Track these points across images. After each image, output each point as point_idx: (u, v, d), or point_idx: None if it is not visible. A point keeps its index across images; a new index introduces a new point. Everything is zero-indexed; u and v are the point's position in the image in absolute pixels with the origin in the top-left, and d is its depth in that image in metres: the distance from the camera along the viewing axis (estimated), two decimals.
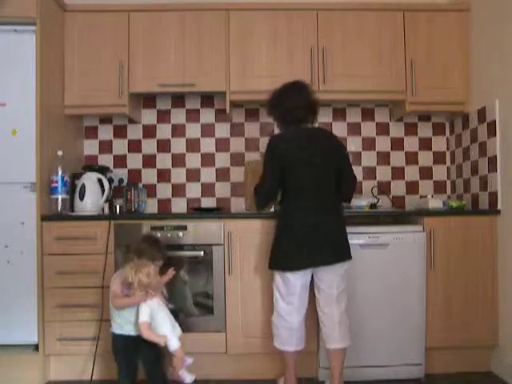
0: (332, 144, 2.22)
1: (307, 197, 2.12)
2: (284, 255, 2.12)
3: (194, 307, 2.46)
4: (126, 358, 2.07)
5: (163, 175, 3.15)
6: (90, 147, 3.14)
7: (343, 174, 2.23)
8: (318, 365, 2.47)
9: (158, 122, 3.16)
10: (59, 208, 2.54)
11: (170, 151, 3.15)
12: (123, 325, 2.05)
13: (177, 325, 2.08)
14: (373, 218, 2.73)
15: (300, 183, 2.12)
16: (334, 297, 2.16)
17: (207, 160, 3.15)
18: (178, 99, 3.15)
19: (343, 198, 2.33)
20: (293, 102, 2.16)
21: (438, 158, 3.19)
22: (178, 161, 3.15)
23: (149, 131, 3.16)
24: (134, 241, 2.24)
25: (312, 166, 2.12)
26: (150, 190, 3.12)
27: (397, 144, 3.18)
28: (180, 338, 2.05)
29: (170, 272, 2.19)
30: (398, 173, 3.17)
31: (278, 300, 2.19)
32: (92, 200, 2.65)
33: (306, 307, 2.19)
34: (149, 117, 3.16)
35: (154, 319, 2.00)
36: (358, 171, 3.15)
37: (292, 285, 2.13)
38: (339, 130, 3.16)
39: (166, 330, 1.99)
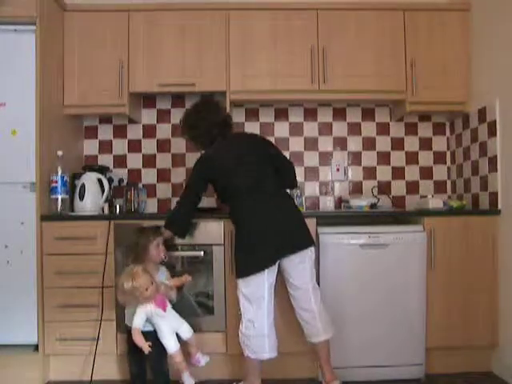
0: (256, 140, 2.33)
1: (252, 196, 2.13)
2: (248, 258, 2.10)
3: (195, 307, 2.46)
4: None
5: (163, 175, 3.15)
6: (90, 147, 3.14)
7: (279, 163, 2.28)
8: (318, 365, 2.46)
9: (157, 121, 3.16)
10: (59, 208, 2.54)
11: (169, 151, 3.15)
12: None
13: (184, 325, 2.16)
14: (373, 217, 2.72)
15: (240, 185, 2.15)
16: (311, 291, 2.16)
17: None
18: (178, 99, 3.14)
19: (287, 184, 2.36)
20: (212, 120, 2.26)
21: (439, 158, 3.18)
22: (178, 161, 3.15)
23: (149, 131, 3.16)
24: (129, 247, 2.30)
25: (245, 166, 2.17)
26: (150, 190, 3.12)
27: (397, 144, 3.18)
28: (190, 338, 2.18)
29: (185, 278, 2.28)
30: (398, 173, 3.17)
31: (246, 307, 2.13)
32: (92, 200, 2.65)
33: (273, 310, 2.16)
34: (149, 117, 3.16)
35: (153, 324, 2.09)
36: (358, 171, 3.16)
37: (260, 287, 2.10)
38: (339, 129, 3.17)
39: (171, 342, 2.08)
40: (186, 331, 2.17)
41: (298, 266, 2.14)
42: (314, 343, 2.20)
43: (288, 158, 2.41)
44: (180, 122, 2.37)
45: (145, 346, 2.02)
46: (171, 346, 2.09)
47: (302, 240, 2.15)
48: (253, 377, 2.20)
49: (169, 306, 2.14)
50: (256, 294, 2.10)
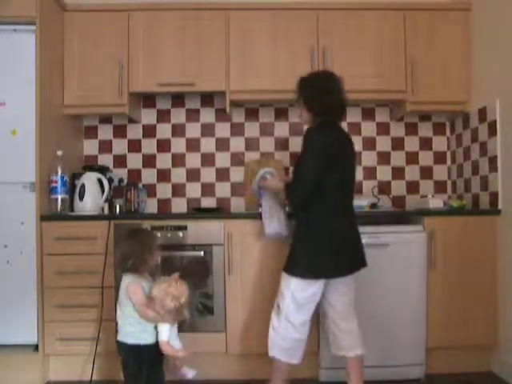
0: (352, 145, 2.14)
1: (340, 200, 2.02)
2: (322, 261, 1.93)
3: (194, 307, 2.46)
4: (139, 368, 1.94)
5: (163, 175, 3.15)
6: (90, 147, 3.14)
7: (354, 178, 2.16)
8: (318, 365, 2.46)
9: (157, 121, 3.16)
10: (59, 208, 2.54)
11: (169, 151, 3.15)
12: (140, 333, 1.93)
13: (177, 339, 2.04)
14: (373, 217, 2.72)
15: (336, 185, 1.98)
16: (353, 302, 2.10)
17: (207, 160, 3.15)
18: (178, 99, 3.14)
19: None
20: (340, 95, 2.02)
21: (439, 158, 3.18)
22: (178, 161, 3.15)
23: (149, 131, 3.16)
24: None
25: (346, 168, 2.04)
26: (150, 190, 3.11)
27: (397, 144, 3.18)
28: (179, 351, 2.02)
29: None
30: (398, 173, 3.17)
31: (292, 310, 1.97)
32: (92, 200, 2.65)
33: None
34: (149, 116, 3.16)
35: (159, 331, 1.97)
36: (358, 171, 3.14)
37: (315, 293, 1.98)
38: None
39: (175, 343, 1.97)
40: (178, 343, 2.02)
41: (351, 278, 2.07)
42: (350, 356, 2.05)
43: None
44: (303, 80, 2.10)
45: (178, 353, 1.92)
46: (177, 345, 1.98)
47: (364, 260, 2.07)
48: (277, 381, 2.08)
49: None
50: (310, 300, 1.98)
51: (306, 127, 2.09)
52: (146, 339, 1.92)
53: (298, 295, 1.96)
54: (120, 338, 1.97)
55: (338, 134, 2.06)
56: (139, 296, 1.91)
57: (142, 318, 1.92)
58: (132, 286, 1.93)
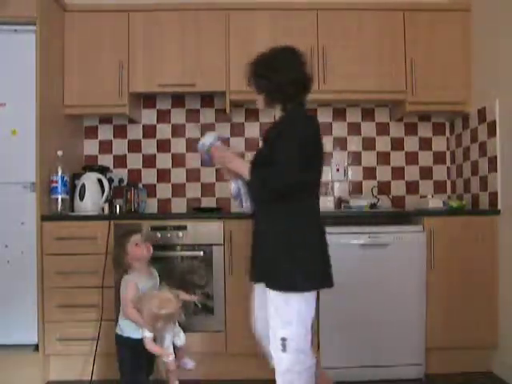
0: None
1: (318, 199, 1.75)
2: (321, 267, 1.64)
3: (194, 307, 2.46)
4: (136, 362, 2.03)
5: (163, 175, 3.15)
6: (90, 147, 3.14)
7: None
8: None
9: (157, 121, 3.16)
10: (59, 208, 2.54)
11: (169, 151, 3.15)
12: (136, 326, 2.00)
13: (180, 334, 2.08)
14: (373, 217, 2.72)
15: (319, 179, 1.72)
16: None
17: None
18: (178, 99, 3.15)
19: None
20: (302, 70, 1.72)
21: (438, 158, 3.18)
22: (178, 161, 3.15)
23: (149, 131, 3.16)
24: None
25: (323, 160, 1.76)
26: (150, 190, 3.12)
27: (397, 144, 3.18)
28: (183, 345, 2.08)
29: (191, 297, 2.17)
30: (397, 173, 3.17)
31: (301, 334, 1.59)
32: (92, 200, 2.65)
33: None
34: (149, 117, 3.16)
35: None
36: (358, 171, 3.16)
37: (314, 305, 1.66)
38: (339, 129, 3.17)
39: (164, 344, 2.01)
40: (181, 339, 2.08)
41: None
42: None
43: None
44: (254, 63, 1.85)
45: (162, 352, 1.95)
46: (178, 342, 2.06)
47: None
48: None
49: None
50: (312, 314, 1.64)
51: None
52: (141, 334, 1.98)
53: (306, 315, 1.60)
54: (117, 330, 2.08)
55: (316, 122, 1.73)
56: (128, 293, 2.00)
57: (125, 315, 2.01)
58: (125, 283, 2.05)
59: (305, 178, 1.59)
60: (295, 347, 1.58)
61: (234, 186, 1.80)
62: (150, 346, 1.95)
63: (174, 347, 2.07)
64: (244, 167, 1.68)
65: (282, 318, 1.59)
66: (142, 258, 2.08)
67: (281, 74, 1.69)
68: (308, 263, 1.60)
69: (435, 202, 2.68)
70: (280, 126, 1.69)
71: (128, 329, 2.03)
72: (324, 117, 3.16)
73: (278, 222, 1.64)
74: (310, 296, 1.61)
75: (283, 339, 1.58)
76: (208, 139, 1.82)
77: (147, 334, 1.94)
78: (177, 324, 2.10)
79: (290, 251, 1.59)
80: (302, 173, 1.55)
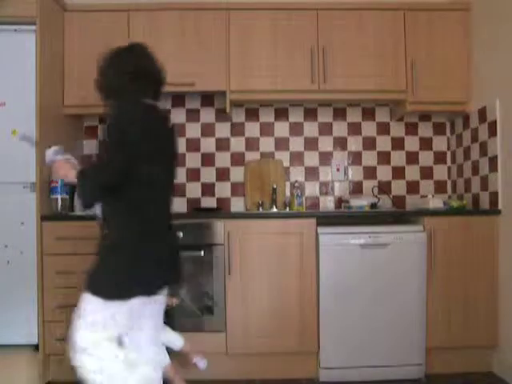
0: (176, 135, 1.79)
1: (161, 198, 1.65)
2: (143, 270, 1.54)
3: (194, 307, 2.46)
4: None
5: None
6: (90, 147, 3.13)
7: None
8: (318, 365, 2.46)
9: None
10: (59, 208, 2.54)
11: None
12: None
13: (173, 338, 2.04)
14: (373, 217, 2.72)
15: (156, 176, 1.60)
16: None
17: (207, 160, 3.15)
18: (178, 99, 3.14)
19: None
20: (135, 63, 1.68)
21: (439, 158, 3.18)
22: (178, 161, 3.14)
23: None
24: None
25: (167, 156, 1.68)
26: None
27: (397, 144, 3.18)
28: (183, 348, 2.05)
29: (172, 300, 2.06)
30: (398, 172, 3.17)
31: (113, 358, 1.53)
32: None
33: None
34: None
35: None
36: (358, 171, 3.16)
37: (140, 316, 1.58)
38: (339, 129, 3.16)
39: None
40: (178, 344, 2.05)
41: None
42: None
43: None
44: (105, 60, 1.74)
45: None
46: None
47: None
48: None
49: None
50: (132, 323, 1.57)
51: None
52: None
53: (113, 324, 1.59)
54: None
55: (157, 113, 1.69)
56: None
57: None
58: None
59: (131, 169, 1.50)
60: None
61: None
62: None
63: (172, 352, 2.04)
64: (71, 174, 1.60)
65: None
66: None
67: (108, 70, 1.69)
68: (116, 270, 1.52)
69: (436, 202, 2.68)
70: (108, 123, 1.61)
71: None
72: (324, 117, 3.16)
73: (111, 226, 1.59)
74: (126, 303, 1.53)
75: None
76: (49, 155, 1.74)
77: None
78: (169, 330, 2.08)
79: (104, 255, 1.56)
80: (125, 164, 1.48)
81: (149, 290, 1.56)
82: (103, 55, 1.72)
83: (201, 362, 2.13)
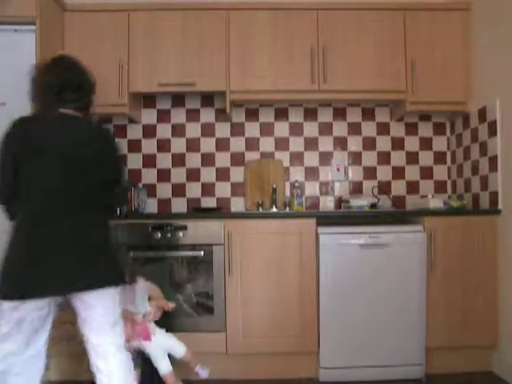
0: (98, 134, 1.78)
1: (46, 199, 1.57)
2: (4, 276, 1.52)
3: (194, 307, 2.46)
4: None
5: (163, 175, 3.15)
6: None
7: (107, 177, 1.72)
8: (318, 365, 2.46)
9: (157, 121, 3.16)
10: None
11: (170, 151, 3.15)
12: None
13: (176, 345, 2.09)
14: (373, 217, 2.72)
15: (38, 178, 1.57)
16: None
17: (207, 160, 3.15)
18: (178, 99, 3.15)
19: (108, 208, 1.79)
20: (47, 76, 1.70)
21: (439, 158, 3.18)
22: (178, 161, 3.15)
23: (149, 131, 3.16)
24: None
25: (60, 157, 1.59)
26: (150, 190, 3.11)
27: (397, 144, 3.18)
28: (185, 356, 2.09)
29: (167, 304, 2.14)
30: (398, 172, 3.17)
31: None
32: None
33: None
34: (149, 116, 3.16)
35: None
36: (358, 171, 3.16)
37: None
38: (339, 129, 3.16)
39: (152, 358, 2.04)
40: (179, 351, 2.09)
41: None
42: None
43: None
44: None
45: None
46: (163, 368, 2.03)
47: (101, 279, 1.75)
48: None
49: (157, 330, 2.07)
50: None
51: None
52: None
53: None
54: None
55: (50, 119, 1.68)
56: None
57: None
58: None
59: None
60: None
61: None
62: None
63: (173, 359, 2.08)
64: None
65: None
66: None
67: (32, 82, 1.74)
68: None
69: (436, 202, 2.68)
70: None
71: None
72: (324, 117, 3.16)
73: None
74: None
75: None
76: None
77: None
78: (169, 336, 2.10)
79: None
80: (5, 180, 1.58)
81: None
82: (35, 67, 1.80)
83: (203, 372, 2.15)
